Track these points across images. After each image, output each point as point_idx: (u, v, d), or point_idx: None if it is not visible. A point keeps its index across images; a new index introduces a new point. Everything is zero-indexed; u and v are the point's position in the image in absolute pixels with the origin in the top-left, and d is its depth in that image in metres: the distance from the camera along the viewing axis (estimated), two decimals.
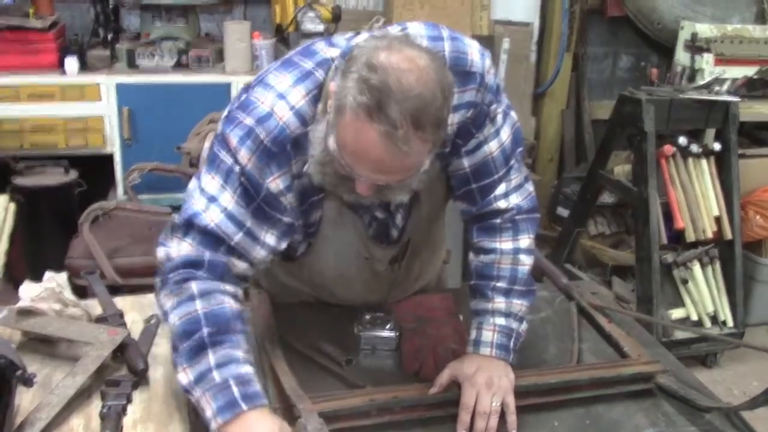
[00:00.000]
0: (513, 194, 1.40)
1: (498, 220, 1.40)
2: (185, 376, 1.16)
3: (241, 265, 1.26)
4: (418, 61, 1.08)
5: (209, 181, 1.24)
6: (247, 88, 1.27)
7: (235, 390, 1.13)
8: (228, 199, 1.22)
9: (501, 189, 1.39)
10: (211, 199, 1.23)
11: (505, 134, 1.37)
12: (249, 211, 1.23)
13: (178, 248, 1.23)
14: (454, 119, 1.27)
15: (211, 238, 1.22)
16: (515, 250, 1.40)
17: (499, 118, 1.35)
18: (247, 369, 1.16)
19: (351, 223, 1.43)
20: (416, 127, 1.06)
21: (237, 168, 1.21)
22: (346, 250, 1.48)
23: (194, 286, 1.19)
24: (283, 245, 1.31)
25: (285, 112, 1.19)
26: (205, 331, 1.16)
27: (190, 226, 1.23)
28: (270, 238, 1.27)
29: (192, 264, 1.21)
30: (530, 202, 1.43)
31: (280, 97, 1.20)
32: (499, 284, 1.39)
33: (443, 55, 1.22)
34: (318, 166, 1.20)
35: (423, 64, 1.08)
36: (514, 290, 1.39)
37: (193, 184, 1.27)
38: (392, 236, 1.48)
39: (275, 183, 1.22)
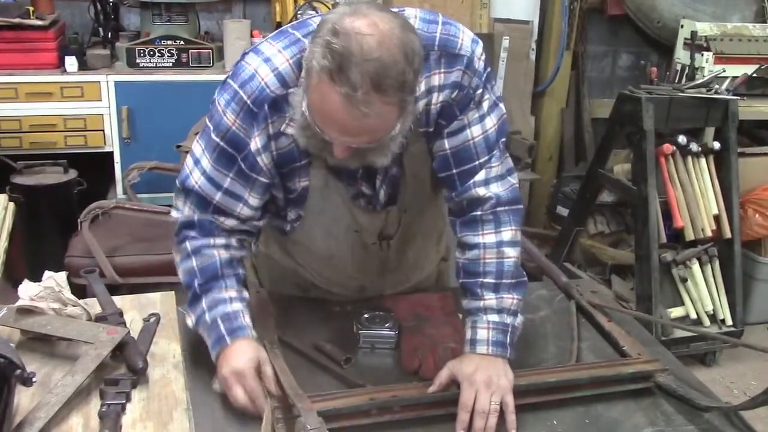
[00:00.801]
0: (493, 183, 1.41)
1: (479, 212, 1.41)
2: (189, 320, 1.38)
3: (228, 222, 1.39)
4: (381, 25, 1.11)
5: (196, 146, 1.37)
6: (243, 54, 1.35)
7: (222, 327, 1.32)
8: (206, 162, 1.35)
9: (481, 176, 1.40)
10: (195, 162, 1.36)
11: (490, 122, 1.39)
12: (228, 173, 1.34)
13: (179, 211, 1.41)
14: (438, 98, 1.32)
15: (200, 198, 1.37)
16: (498, 243, 1.40)
17: (485, 105, 1.37)
18: (234, 307, 1.34)
19: (337, 193, 1.45)
20: (377, 89, 1.10)
21: (214, 134, 1.32)
22: (335, 223, 1.49)
23: (188, 246, 1.38)
24: (260, 209, 1.41)
25: (267, 73, 1.27)
26: (197, 282, 1.36)
27: (185, 189, 1.38)
28: (251, 199, 1.37)
29: (186, 225, 1.39)
30: (511, 193, 1.43)
31: (265, 60, 1.28)
32: (486, 280, 1.38)
33: (429, 35, 1.27)
34: (300, 130, 1.25)
35: (386, 27, 1.12)
36: (502, 284, 1.39)
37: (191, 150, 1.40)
38: (377, 205, 1.49)
39: (254, 142, 1.31)
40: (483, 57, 1.35)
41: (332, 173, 1.41)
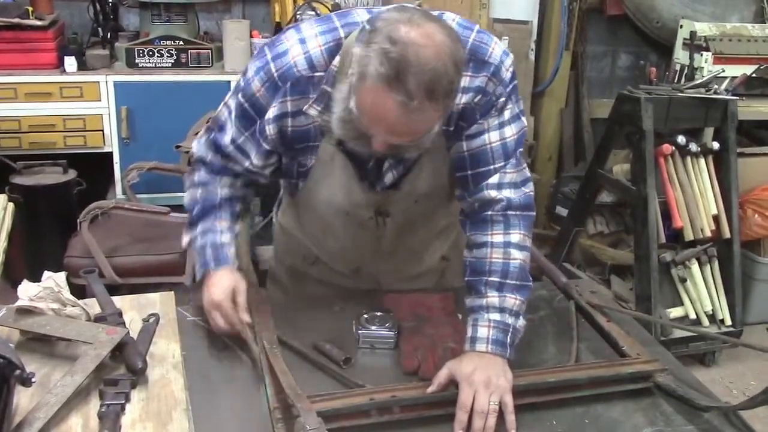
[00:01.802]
0: (506, 188, 1.44)
1: (489, 212, 1.45)
2: (185, 239, 1.57)
3: (236, 167, 1.52)
4: (435, 36, 1.18)
5: (228, 99, 1.49)
6: (287, 29, 1.45)
7: (209, 253, 1.49)
8: (231, 118, 1.46)
9: (494, 179, 1.44)
10: (230, 113, 1.47)
11: (510, 132, 1.44)
12: (244, 132, 1.45)
13: (199, 144, 1.56)
14: (461, 100, 1.37)
15: (218, 146, 1.51)
16: (506, 243, 1.43)
17: (507, 114, 1.43)
18: (223, 238, 1.51)
19: (341, 169, 1.50)
20: (429, 98, 1.17)
21: (240, 95, 1.42)
22: (332, 196, 1.54)
23: (196, 177, 1.55)
24: (267, 168, 1.51)
25: (299, 53, 1.36)
26: (197, 208, 1.53)
27: (210, 138, 1.53)
28: (255, 159, 1.48)
29: (200, 160, 1.55)
30: (523, 199, 1.46)
31: (300, 41, 1.37)
32: (491, 278, 1.40)
33: (462, 39, 1.30)
34: (340, 122, 1.31)
35: (439, 39, 1.18)
36: (506, 284, 1.40)
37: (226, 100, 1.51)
38: (379, 187, 1.53)
39: (270, 111, 1.40)
40: (511, 69, 1.42)
41: (341, 151, 1.46)
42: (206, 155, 1.53)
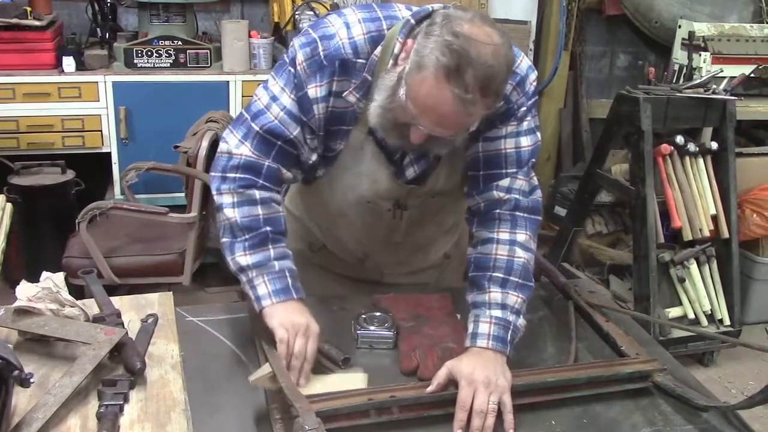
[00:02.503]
0: (515, 192, 1.47)
1: (497, 210, 1.47)
2: (246, 259, 1.40)
3: (287, 174, 1.47)
4: (494, 37, 1.23)
5: (273, 84, 1.44)
6: (327, 14, 1.47)
7: (289, 280, 1.40)
8: (287, 99, 1.41)
9: (504, 182, 1.47)
10: (273, 98, 1.42)
11: (525, 142, 1.48)
12: (295, 96, 1.41)
13: (238, 148, 1.43)
14: None
15: (268, 139, 1.41)
16: (511, 241, 1.45)
17: (525, 125, 1.47)
18: (294, 267, 1.42)
19: (371, 156, 1.51)
20: (483, 94, 1.21)
21: (292, 70, 1.40)
22: (356, 184, 1.55)
23: (257, 194, 1.42)
24: (313, 155, 1.47)
25: (345, 37, 1.38)
26: (268, 229, 1.40)
27: (251, 127, 1.42)
28: (308, 140, 1.45)
29: (252, 169, 1.42)
30: (532, 203, 1.49)
31: (346, 25, 1.39)
32: (495, 274, 1.42)
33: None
34: (380, 110, 1.33)
35: (498, 41, 1.23)
36: (510, 281, 1.41)
37: (259, 88, 1.47)
38: (402, 179, 1.54)
39: (315, 90, 1.39)
40: (534, 84, 1.47)
41: (373, 139, 1.47)
42: (262, 163, 1.42)
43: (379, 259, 1.73)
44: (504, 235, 1.45)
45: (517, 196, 1.47)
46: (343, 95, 1.40)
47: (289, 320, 1.35)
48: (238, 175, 1.42)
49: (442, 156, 1.49)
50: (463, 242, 1.83)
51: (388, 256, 1.72)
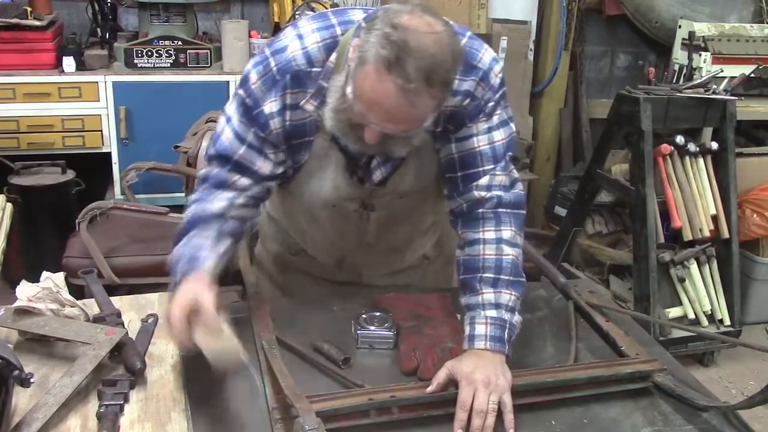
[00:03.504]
0: (496, 189, 1.46)
1: (480, 210, 1.46)
2: (168, 259, 1.40)
3: (242, 181, 1.44)
4: (435, 26, 1.21)
5: (229, 106, 1.46)
6: (285, 27, 1.47)
7: (182, 264, 1.34)
8: (235, 119, 1.43)
9: (484, 181, 1.46)
10: (227, 121, 1.45)
11: (499, 136, 1.46)
12: (251, 129, 1.42)
13: (204, 170, 1.47)
14: (450, 103, 1.37)
15: (223, 157, 1.44)
16: (498, 239, 1.44)
17: (495, 119, 1.45)
18: (202, 252, 1.35)
19: (334, 164, 1.50)
20: (427, 83, 1.18)
21: (242, 91, 1.41)
22: (321, 189, 1.54)
23: (194, 196, 1.45)
24: (279, 167, 1.47)
25: (297, 48, 1.38)
26: (182, 225, 1.42)
27: (215, 150, 1.45)
28: (271, 154, 1.44)
29: (202, 180, 1.47)
30: (514, 198, 1.48)
31: (299, 37, 1.39)
32: (485, 275, 1.41)
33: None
34: (333, 113, 1.32)
35: (440, 29, 1.21)
36: (501, 280, 1.41)
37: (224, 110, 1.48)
38: (368, 183, 1.53)
39: (270, 105, 1.39)
40: (500, 76, 1.44)
41: (336, 146, 1.46)
42: (210, 171, 1.45)
43: (355, 261, 1.73)
44: (490, 234, 1.45)
45: (498, 193, 1.46)
46: (301, 105, 1.39)
47: (164, 313, 1.29)
48: (195, 187, 1.48)
49: (408, 157, 1.47)
50: (444, 243, 1.83)
51: (363, 257, 1.72)
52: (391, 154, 1.42)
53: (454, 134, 1.44)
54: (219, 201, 1.42)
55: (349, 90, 1.25)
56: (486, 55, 1.41)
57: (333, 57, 1.36)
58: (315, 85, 1.37)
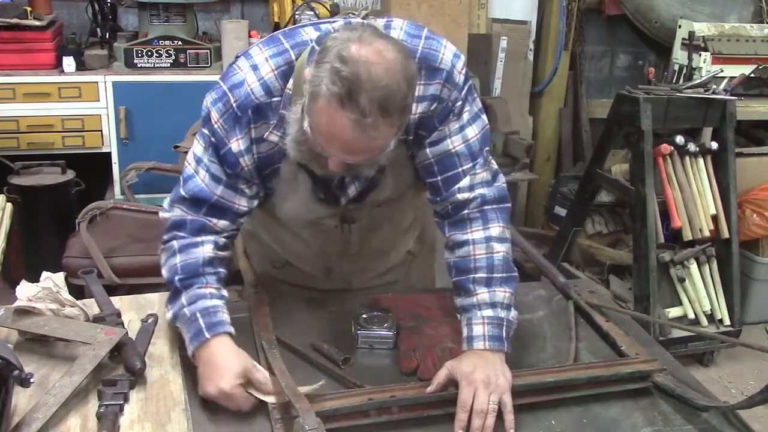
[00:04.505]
0: (478, 188, 1.45)
1: (465, 211, 1.45)
2: (168, 314, 1.39)
3: (221, 223, 1.43)
4: (386, 53, 1.17)
5: (197, 146, 1.43)
6: (237, 57, 1.42)
7: (201, 321, 1.33)
8: (207, 159, 1.40)
9: (465, 182, 1.45)
10: (198, 161, 1.42)
11: (472, 132, 1.44)
12: (223, 168, 1.40)
13: (170, 212, 1.44)
14: (417, 109, 1.37)
15: (198, 200, 1.41)
16: (487, 238, 1.44)
17: (465, 116, 1.43)
18: (214, 302, 1.36)
19: (304, 187, 1.50)
20: (383, 114, 1.16)
21: (206, 130, 1.39)
22: (296, 212, 1.55)
23: (176, 244, 1.40)
24: (255, 200, 1.46)
25: (254, 81, 1.34)
26: (178, 278, 1.37)
27: (179, 192, 1.42)
28: (247, 190, 1.43)
29: (176, 226, 1.42)
30: (498, 192, 1.47)
31: (253, 68, 1.35)
32: (478, 275, 1.41)
33: (411, 48, 1.32)
34: (294, 143, 1.30)
35: (391, 56, 1.18)
36: (494, 278, 1.41)
37: (191, 149, 1.44)
38: (344, 199, 1.53)
39: (237, 143, 1.37)
40: (464, 71, 1.41)
41: (303, 169, 1.45)
42: (184, 217, 1.42)
43: (342, 270, 1.73)
44: (478, 234, 1.44)
45: (481, 191, 1.44)
46: (264, 137, 1.37)
47: (215, 389, 1.26)
48: (164, 236, 1.43)
49: (384, 169, 1.46)
50: (426, 235, 1.83)
51: (350, 266, 1.72)
52: (359, 174, 1.41)
53: (426, 139, 1.42)
54: (206, 246, 1.40)
55: (305, 124, 1.23)
56: (446, 53, 1.38)
57: (290, 84, 1.33)
58: (277, 115, 1.35)
